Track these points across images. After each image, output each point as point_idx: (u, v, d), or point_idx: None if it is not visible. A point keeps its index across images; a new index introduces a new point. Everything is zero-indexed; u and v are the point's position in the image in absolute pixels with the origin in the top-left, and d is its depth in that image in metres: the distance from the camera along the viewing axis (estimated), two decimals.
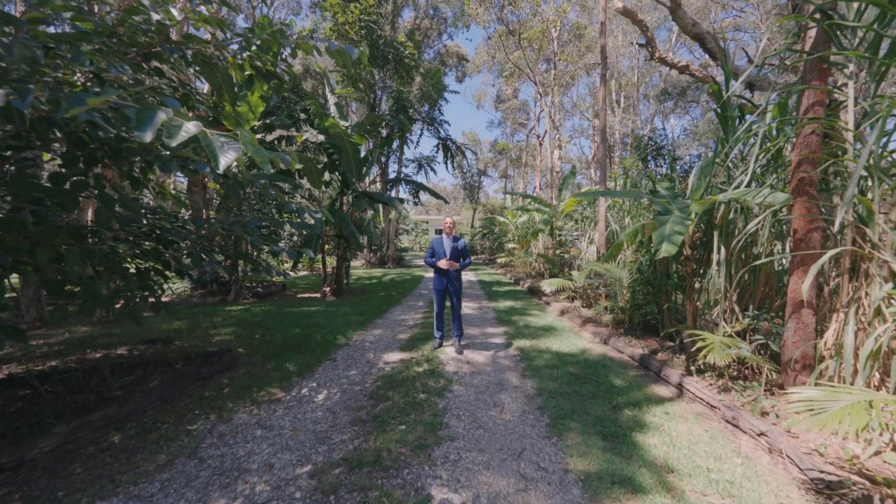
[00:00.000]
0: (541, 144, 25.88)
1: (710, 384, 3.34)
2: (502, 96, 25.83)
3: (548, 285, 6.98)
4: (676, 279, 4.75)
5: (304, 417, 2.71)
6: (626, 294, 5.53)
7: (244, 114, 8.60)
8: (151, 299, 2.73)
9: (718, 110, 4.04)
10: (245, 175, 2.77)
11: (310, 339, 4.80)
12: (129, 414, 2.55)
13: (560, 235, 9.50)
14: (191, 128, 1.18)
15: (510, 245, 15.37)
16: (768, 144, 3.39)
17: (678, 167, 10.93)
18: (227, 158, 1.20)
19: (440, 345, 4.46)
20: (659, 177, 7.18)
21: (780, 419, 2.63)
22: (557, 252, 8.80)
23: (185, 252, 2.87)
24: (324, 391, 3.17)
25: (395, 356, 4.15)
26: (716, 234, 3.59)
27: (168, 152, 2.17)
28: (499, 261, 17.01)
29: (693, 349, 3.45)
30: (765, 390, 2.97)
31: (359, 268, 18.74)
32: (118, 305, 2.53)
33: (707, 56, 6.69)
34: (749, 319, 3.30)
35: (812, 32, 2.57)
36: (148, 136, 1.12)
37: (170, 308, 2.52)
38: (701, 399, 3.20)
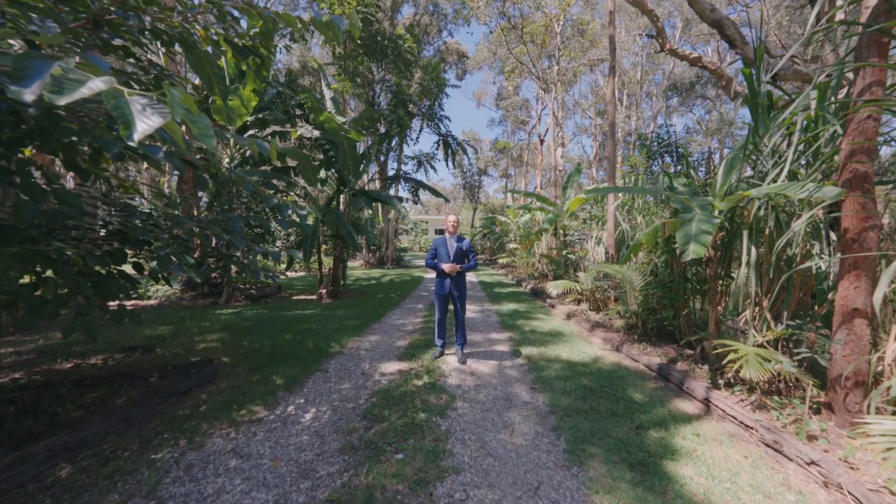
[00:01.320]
0: (542, 143, 25.55)
1: (742, 400, 3.01)
2: (503, 94, 25.45)
3: (554, 288, 6.65)
4: (695, 282, 4.42)
5: (288, 443, 2.37)
6: (639, 297, 5.20)
7: (236, 108, 8.19)
8: (114, 305, 2.39)
9: (729, 99, 3.71)
10: (218, 167, 2.43)
11: (301, 346, 4.47)
12: (84, 441, 2.21)
13: (566, 235, 9.17)
14: (98, 84, 0.85)
15: (511, 245, 15.04)
16: (807, 135, 3.05)
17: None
18: (146, 125, 0.87)
19: (441, 353, 4.12)
20: (673, 172, 6.84)
21: (832, 445, 2.30)
22: (564, 253, 8.46)
23: (152, 254, 2.53)
24: (312, 409, 2.84)
25: (392, 366, 3.82)
26: (745, 233, 3.26)
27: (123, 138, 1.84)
28: (500, 261, 16.67)
29: (722, 361, 3.13)
30: (809, 408, 2.64)
31: (357, 268, 18.40)
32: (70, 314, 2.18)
33: (713, 56, 6.35)
34: (786, 328, 2.96)
35: (870, 2, 2.24)
36: (30, 93, 0.80)
37: (134, 316, 2.15)
38: (733, 417, 2.87)
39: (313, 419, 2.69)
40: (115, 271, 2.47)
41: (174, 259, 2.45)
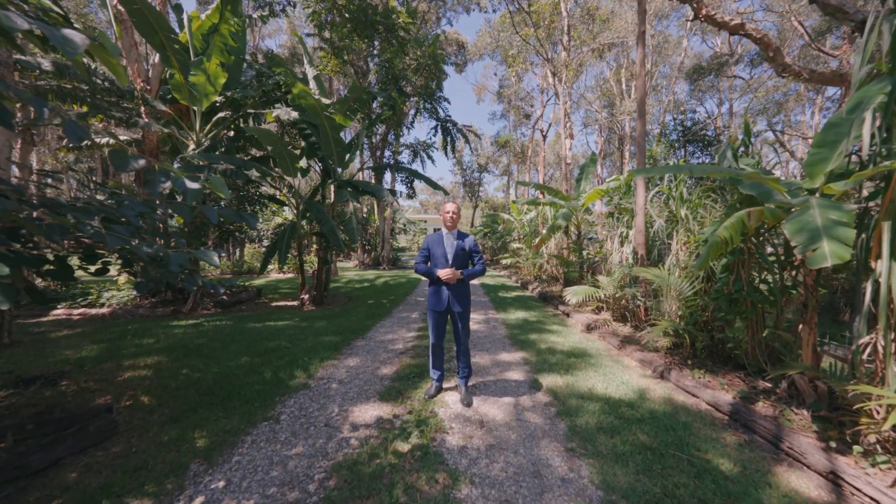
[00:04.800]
0: (544, 138, 24.50)
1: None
2: (505, 84, 24.27)
3: (573, 295, 5.61)
4: (768, 292, 3.40)
5: None
6: (683, 309, 4.18)
7: (201, 85, 7.01)
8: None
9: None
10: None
11: (255, 376, 3.43)
12: None
13: (580, 233, 8.13)
14: None
15: (515, 245, 14.01)
16: None
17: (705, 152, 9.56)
18: None
19: (438, 390, 3.07)
20: (707, 158, 5.82)
21: None
22: (584, 254, 7.43)
23: None
24: None
25: (369, 411, 2.77)
26: (885, 225, 2.22)
27: None
28: (503, 262, 15.64)
29: (835, 405, 2.10)
30: None
31: (351, 269, 17.36)
32: None
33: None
34: None
35: None
36: None
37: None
38: None
39: None
40: None
41: None
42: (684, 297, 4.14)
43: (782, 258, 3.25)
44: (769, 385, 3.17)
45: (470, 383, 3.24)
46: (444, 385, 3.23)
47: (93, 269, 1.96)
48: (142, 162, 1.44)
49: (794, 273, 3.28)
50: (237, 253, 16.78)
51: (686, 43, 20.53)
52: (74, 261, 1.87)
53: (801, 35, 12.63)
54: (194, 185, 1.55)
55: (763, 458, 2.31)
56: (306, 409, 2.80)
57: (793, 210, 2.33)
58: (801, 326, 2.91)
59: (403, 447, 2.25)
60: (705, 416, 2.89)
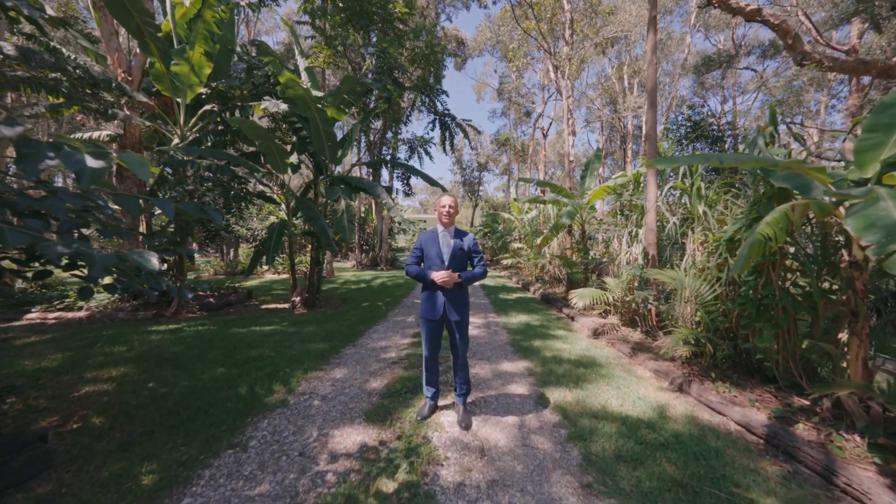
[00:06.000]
0: (545, 137, 24.13)
1: None
2: (505, 81, 23.85)
3: (579, 297, 5.25)
4: (802, 297, 3.04)
5: None
6: (701, 315, 3.82)
7: (184, 76, 6.59)
8: None
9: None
10: None
11: (229, 391, 3.06)
12: None
13: (585, 232, 7.76)
14: None
15: (516, 245, 13.64)
16: None
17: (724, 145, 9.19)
18: None
19: (433, 410, 2.69)
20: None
21: None
22: (591, 254, 7.06)
23: None
24: None
25: (352, 436, 2.41)
26: None
27: None
28: (503, 262, 15.29)
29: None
30: None
31: (348, 269, 16.99)
32: None
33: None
34: None
35: None
36: None
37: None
38: None
39: None
40: None
41: None
42: (703, 302, 3.78)
43: (821, 258, 2.88)
44: (806, 402, 2.81)
45: (469, 399, 2.88)
46: (440, 402, 2.87)
47: (30, 272, 1.61)
48: (17, 129, 1.08)
49: (834, 275, 2.92)
50: (231, 253, 16.41)
51: (689, 39, 20.18)
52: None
53: (807, 30, 12.31)
54: (97, 164, 1.18)
55: (816, 498, 1.95)
56: (280, 433, 2.43)
57: (851, 203, 1.97)
58: (847, 337, 2.55)
59: (388, 486, 1.88)
60: (738, 441, 2.53)
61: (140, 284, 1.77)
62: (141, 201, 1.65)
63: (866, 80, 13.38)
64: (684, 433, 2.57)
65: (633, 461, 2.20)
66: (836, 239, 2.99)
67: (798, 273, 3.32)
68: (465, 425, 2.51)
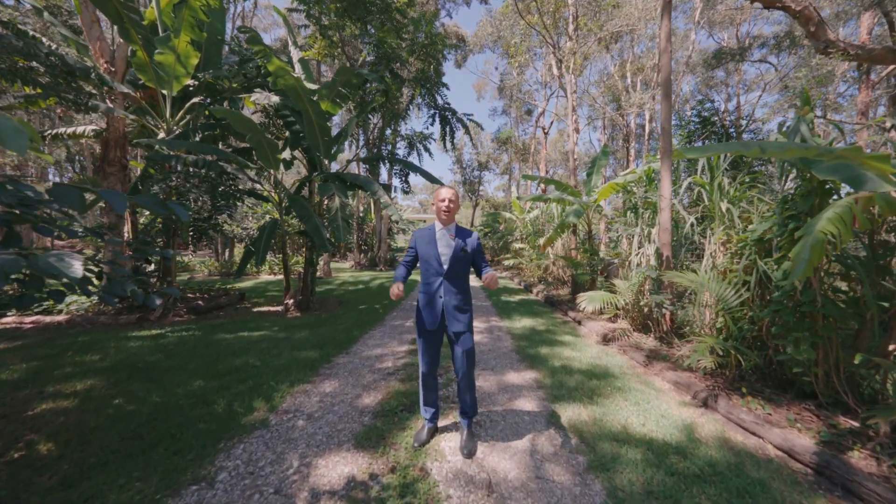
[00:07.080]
0: (546, 135, 23.79)
1: None
2: (507, 78, 23.44)
3: (588, 301, 4.92)
4: (847, 305, 2.71)
5: None
6: (724, 321, 3.50)
7: (169, 66, 6.19)
8: None
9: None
10: None
11: (204, 408, 2.73)
12: None
13: (591, 232, 7.43)
14: None
15: (518, 245, 13.32)
16: None
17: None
18: None
19: (431, 433, 2.35)
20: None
21: None
22: (600, 256, 6.74)
23: None
24: None
25: (339, 467, 2.08)
26: None
27: None
28: (504, 263, 14.96)
29: None
30: None
31: (346, 270, 16.66)
32: None
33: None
34: None
35: None
36: None
37: None
38: None
39: None
40: None
41: None
42: (727, 307, 3.45)
43: (875, 261, 2.55)
44: (855, 424, 2.48)
45: (473, 420, 2.54)
46: (441, 422, 2.54)
47: None
48: None
49: (884, 278, 2.59)
50: (226, 253, 16.08)
51: (694, 36, 19.85)
52: None
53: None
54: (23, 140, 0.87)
55: None
56: (256, 463, 2.10)
57: None
58: None
59: None
60: (781, 469, 2.20)
61: (96, 291, 1.47)
62: (87, 195, 1.33)
63: (874, 77, 13.07)
64: (719, 461, 2.24)
65: (666, 498, 1.88)
66: (885, 238, 2.67)
67: (837, 277, 3.00)
68: (469, 453, 2.17)
